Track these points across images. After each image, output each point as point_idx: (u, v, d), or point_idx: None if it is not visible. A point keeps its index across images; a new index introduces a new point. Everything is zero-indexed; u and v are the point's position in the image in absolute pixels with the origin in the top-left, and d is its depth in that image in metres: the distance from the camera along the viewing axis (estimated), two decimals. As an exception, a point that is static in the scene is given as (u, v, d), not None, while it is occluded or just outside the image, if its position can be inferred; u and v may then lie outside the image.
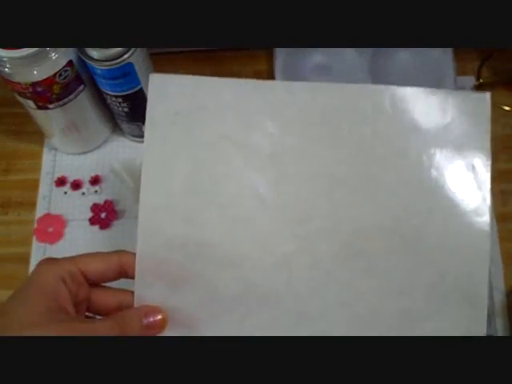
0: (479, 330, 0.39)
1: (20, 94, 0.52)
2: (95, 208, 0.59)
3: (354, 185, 0.41)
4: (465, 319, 0.39)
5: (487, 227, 0.40)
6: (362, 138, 0.41)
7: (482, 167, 0.40)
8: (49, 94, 0.51)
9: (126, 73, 0.51)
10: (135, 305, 0.41)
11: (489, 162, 0.40)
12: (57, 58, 0.49)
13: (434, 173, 0.41)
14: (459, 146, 0.41)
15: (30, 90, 0.51)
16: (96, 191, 0.60)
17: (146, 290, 0.41)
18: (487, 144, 0.40)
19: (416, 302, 0.40)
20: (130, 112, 0.57)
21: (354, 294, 0.40)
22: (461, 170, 0.41)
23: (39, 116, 0.55)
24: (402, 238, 0.40)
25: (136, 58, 0.51)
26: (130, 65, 0.51)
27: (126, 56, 0.50)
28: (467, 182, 0.40)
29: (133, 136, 0.61)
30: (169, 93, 0.41)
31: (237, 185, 0.41)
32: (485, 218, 0.40)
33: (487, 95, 0.41)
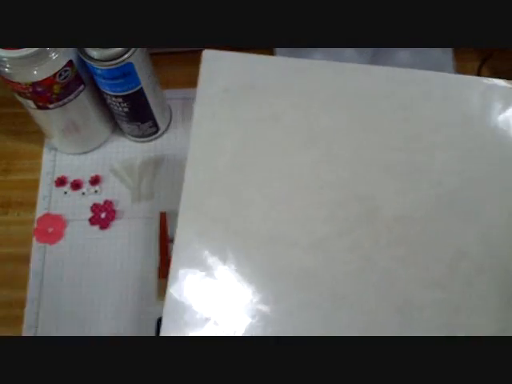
0: (509, 329, 0.39)
1: (20, 93, 0.52)
2: (95, 208, 0.59)
3: (399, 171, 0.41)
4: (496, 318, 0.39)
5: None
6: (409, 125, 0.41)
7: None
8: (49, 94, 0.51)
9: (126, 73, 0.51)
10: (172, 265, 0.40)
11: None
12: (57, 58, 0.49)
13: (483, 168, 0.40)
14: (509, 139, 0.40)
15: (30, 89, 0.51)
16: (96, 191, 0.60)
17: (185, 261, 0.40)
18: None
19: (452, 295, 0.39)
20: (130, 112, 0.57)
21: (390, 281, 0.39)
22: (509, 161, 0.40)
23: (39, 116, 0.55)
24: (447, 227, 0.40)
25: (136, 58, 0.51)
26: (129, 65, 0.51)
27: (126, 56, 0.50)
28: None
29: (133, 136, 0.61)
30: (220, 69, 0.43)
31: (279, 165, 0.41)
32: None
33: None
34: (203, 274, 0.40)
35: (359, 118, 0.42)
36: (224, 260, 0.40)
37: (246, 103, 0.42)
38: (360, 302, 0.40)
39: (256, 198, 0.41)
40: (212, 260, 0.40)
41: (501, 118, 0.41)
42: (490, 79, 0.42)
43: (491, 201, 0.40)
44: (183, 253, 0.40)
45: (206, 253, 0.40)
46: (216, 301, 0.40)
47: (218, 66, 0.43)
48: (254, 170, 0.41)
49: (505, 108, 0.41)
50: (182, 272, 0.40)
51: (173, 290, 0.40)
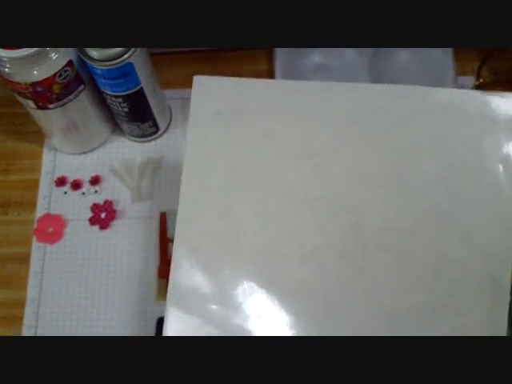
0: (500, 328, 0.40)
1: (20, 93, 0.52)
2: (95, 208, 0.59)
3: (384, 183, 0.43)
4: (486, 315, 0.40)
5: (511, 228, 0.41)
6: (393, 137, 0.43)
7: (510, 166, 0.41)
8: (49, 93, 0.51)
9: (126, 73, 0.51)
10: (169, 288, 0.42)
11: None
12: (57, 58, 0.49)
13: (464, 176, 0.42)
14: (488, 148, 0.42)
15: (30, 89, 0.51)
16: (96, 191, 0.60)
17: (182, 274, 0.42)
18: None
19: (439, 296, 0.41)
20: (130, 112, 0.57)
21: (379, 287, 0.41)
22: (489, 167, 0.42)
23: (39, 116, 0.55)
24: (429, 234, 0.41)
25: (136, 57, 0.51)
26: (129, 65, 0.51)
27: (125, 56, 0.50)
28: (494, 178, 0.42)
29: (133, 136, 0.61)
30: (211, 94, 0.44)
31: (271, 181, 0.43)
32: (510, 221, 0.41)
33: None
34: (200, 286, 0.42)
35: (348, 134, 0.44)
36: (219, 274, 0.42)
37: (238, 124, 0.44)
38: (350, 308, 0.41)
39: (248, 214, 0.43)
40: (208, 274, 0.42)
41: (478, 126, 0.43)
42: (471, 91, 0.45)
43: (472, 207, 0.42)
44: (180, 268, 0.42)
45: (202, 267, 0.42)
46: (213, 314, 0.41)
47: (210, 90, 0.45)
48: (246, 188, 0.43)
49: (488, 119, 0.43)
50: (179, 287, 0.42)
51: (172, 306, 0.42)
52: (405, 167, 0.43)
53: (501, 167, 0.42)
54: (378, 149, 0.43)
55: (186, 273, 0.42)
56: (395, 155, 0.43)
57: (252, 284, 0.42)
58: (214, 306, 0.41)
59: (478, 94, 0.44)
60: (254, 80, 0.45)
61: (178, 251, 0.42)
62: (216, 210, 0.43)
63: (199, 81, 0.45)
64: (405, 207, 0.42)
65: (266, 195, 0.43)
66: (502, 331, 0.40)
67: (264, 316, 0.41)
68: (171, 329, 0.41)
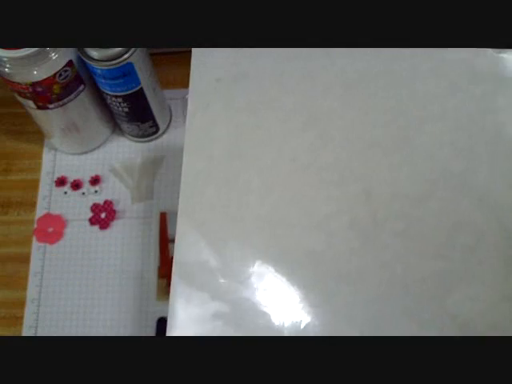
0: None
1: (20, 93, 0.52)
2: (95, 208, 0.59)
3: (391, 148, 0.41)
4: (501, 283, 0.39)
5: None
6: (398, 101, 0.42)
7: None
8: (49, 93, 0.51)
9: (126, 73, 0.51)
10: (174, 264, 0.40)
11: None
12: (57, 58, 0.49)
13: (473, 136, 0.41)
14: (501, 109, 0.41)
15: (30, 90, 0.51)
16: (96, 191, 0.60)
17: (187, 249, 0.41)
18: None
19: (454, 264, 0.39)
20: (130, 112, 0.57)
21: (392, 255, 0.40)
22: (502, 130, 0.41)
23: (39, 116, 0.55)
24: (439, 200, 0.40)
25: (136, 57, 0.51)
26: (129, 65, 0.51)
27: (126, 56, 0.50)
28: (506, 144, 0.40)
29: (133, 136, 0.61)
30: (210, 62, 0.44)
31: (275, 149, 0.42)
32: None
33: None
34: (206, 261, 0.40)
35: (351, 99, 0.43)
36: (225, 247, 0.41)
37: (239, 92, 0.43)
38: (362, 278, 0.40)
39: (254, 184, 0.42)
40: (213, 248, 0.41)
41: (486, 85, 0.42)
42: (475, 49, 0.43)
43: (484, 167, 0.41)
44: (185, 243, 0.41)
45: (207, 241, 0.41)
46: (220, 288, 0.40)
47: (209, 59, 0.44)
48: (251, 156, 0.42)
49: (489, 75, 0.42)
50: (184, 262, 0.40)
51: (176, 282, 0.40)
52: (411, 131, 0.42)
53: (510, 129, 0.41)
54: (383, 113, 0.42)
55: (191, 247, 0.41)
56: (401, 119, 0.42)
57: (259, 255, 0.40)
58: (221, 280, 0.40)
59: (488, 52, 0.42)
60: (252, 48, 0.44)
61: (181, 226, 0.41)
62: (220, 181, 0.42)
63: (197, 52, 0.44)
64: (414, 172, 0.41)
65: (271, 163, 0.42)
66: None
67: (272, 288, 0.40)
68: (179, 306, 0.40)
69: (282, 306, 0.39)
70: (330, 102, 0.43)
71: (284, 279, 0.40)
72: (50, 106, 0.53)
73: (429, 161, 0.41)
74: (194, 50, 0.44)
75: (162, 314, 0.54)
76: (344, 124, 0.42)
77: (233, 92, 0.43)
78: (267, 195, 0.42)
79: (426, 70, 0.43)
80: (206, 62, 0.44)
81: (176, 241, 0.41)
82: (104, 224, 0.58)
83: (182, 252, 0.41)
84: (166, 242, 0.57)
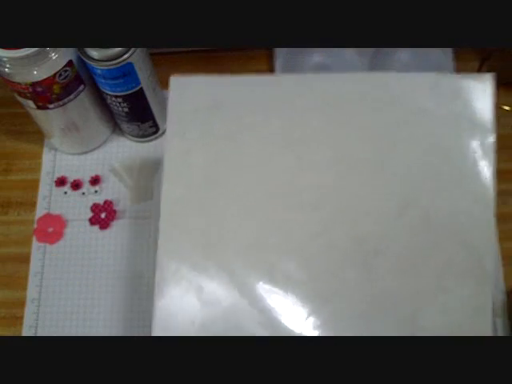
0: (485, 308, 0.40)
1: (20, 94, 0.52)
2: (95, 208, 0.59)
3: (367, 171, 0.43)
4: (473, 295, 0.41)
5: (491, 208, 0.42)
6: (372, 125, 0.43)
7: (487, 148, 0.42)
8: (49, 94, 0.51)
9: (126, 73, 0.51)
10: (156, 291, 0.41)
11: (493, 143, 0.42)
12: (57, 58, 0.49)
13: (442, 157, 0.42)
14: (464, 128, 0.42)
15: (30, 90, 0.51)
16: (96, 191, 0.60)
17: (169, 273, 0.42)
18: (491, 126, 0.43)
19: (428, 280, 0.41)
20: (130, 112, 0.57)
21: (369, 274, 0.41)
22: (467, 150, 0.42)
23: (39, 116, 0.55)
24: (413, 219, 0.42)
25: (136, 57, 0.51)
26: (129, 65, 0.51)
27: (125, 56, 0.50)
28: (473, 161, 0.42)
29: (133, 136, 0.61)
30: (189, 92, 0.45)
31: (253, 174, 0.43)
32: (490, 200, 0.42)
33: (489, 76, 0.43)
34: (187, 286, 0.41)
35: (327, 123, 0.44)
36: (205, 272, 0.41)
37: (215, 120, 0.44)
38: (342, 297, 0.41)
39: (233, 209, 0.42)
40: (194, 272, 0.41)
41: (452, 108, 0.43)
42: (441, 74, 0.45)
43: (451, 186, 0.42)
44: (166, 269, 0.42)
45: (188, 267, 0.42)
46: (201, 311, 0.41)
47: (187, 89, 0.45)
48: (229, 182, 0.43)
49: (454, 98, 0.44)
50: (166, 288, 0.41)
51: (160, 306, 0.41)
52: (385, 154, 0.43)
53: (479, 149, 0.42)
54: (358, 136, 0.43)
55: (172, 274, 0.42)
56: (375, 142, 0.43)
57: (240, 280, 0.41)
58: (203, 308, 0.41)
59: (453, 77, 0.44)
60: (228, 76, 0.45)
61: (162, 250, 0.42)
62: (199, 207, 0.43)
63: (176, 81, 0.45)
64: (389, 193, 0.42)
65: (250, 188, 0.43)
66: (487, 315, 0.40)
67: (254, 314, 0.41)
68: (159, 326, 0.41)
69: (262, 329, 0.40)
70: (306, 128, 0.44)
71: (264, 303, 0.41)
72: (50, 106, 0.53)
73: (402, 181, 0.42)
74: (172, 78, 0.45)
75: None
76: (320, 148, 0.43)
77: (210, 120, 0.44)
78: (246, 220, 0.42)
79: (397, 95, 0.44)
80: (184, 92, 0.45)
81: (157, 268, 0.42)
82: (104, 224, 0.58)
83: (164, 280, 0.42)
84: (165, 242, 0.57)
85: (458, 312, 0.40)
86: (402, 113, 0.43)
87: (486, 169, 0.42)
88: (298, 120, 0.44)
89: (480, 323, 0.40)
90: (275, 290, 0.41)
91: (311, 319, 0.41)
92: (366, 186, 0.42)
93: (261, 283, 0.41)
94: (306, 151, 0.43)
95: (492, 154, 0.42)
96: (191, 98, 0.45)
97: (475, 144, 0.42)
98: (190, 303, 0.41)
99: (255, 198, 0.43)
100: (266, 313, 0.41)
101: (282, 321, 0.41)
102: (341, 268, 0.41)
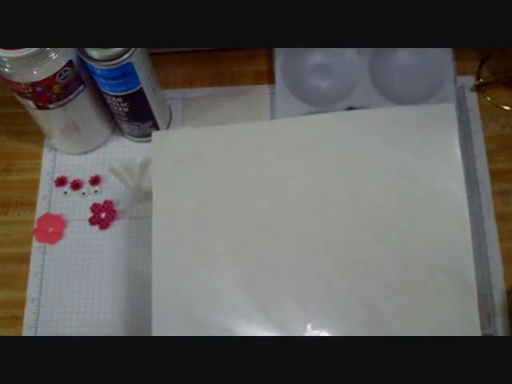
0: (473, 314, 0.42)
1: (20, 94, 0.52)
2: (95, 208, 0.59)
3: (342, 202, 0.46)
4: (459, 307, 0.42)
5: (467, 221, 0.43)
6: (342, 159, 0.46)
7: (457, 169, 0.45)
8: (49, 94, 0.51)
9: (126, 73, 0.51)
10: (153, 331, 0.43)
11: (461, 167, 0.45)
12: (57, 58, 0.49)
13: (413, 181, 0.45)
14: (433, 154, 0.45)
15: (30, 90, 0.51)
16: (96, 191, 0.60)
17: (163, 319, 0.44)
18: (458, 152, 0.45)
19: (412, 298, 0.43)
20: (130, 112, 0.57)
21: (355, 300, 0.43)
22: (437, 173, 0.45)
23: (39, 116, 0.55)
24: (391, 243, 0.44)
25: (136, 57, 0.51)
26: (129, 65, 0.51)
27: (125, 56, 0.50)
28: (444, 183, 0.44)
29: (133, 136, 0.61)
30: (169, 146, 0.48)
31: (236, 216, 0.46)
32: (465, 214, 0.44)
33: (451, 105, 0.46)
34: (181, 322, 0.44)
35: (300, 163, 0.47)
36: (199, 312, 0.44)
37: (198, 169, 0.47)
38: (331, 324, 0.43)
39: (220, 249, 0.45)
40: (187, 313, 0.44)
41: (418, 136, 0.46)
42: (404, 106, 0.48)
43: (425, 208, 0.45)
44: (160, 310, 0.44)
45: (181, 306, 0.44)
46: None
47: (167, 143, 0.48)
48: (215, 224, 0.46)
49: (418, 126, 0.47)
50: (161, 322, 0.44)
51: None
52: (358, 184, 0.46)
53: (446, 169, 0.45)
54: (330, 172, 0.46)
55: (166, 315, 0.44)
56: (347, 174, 0.46)
57: (232, 317, 0.43)
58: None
59: (416, 108, 0.47)
60: (205, 128, 0.49)
61: (155, 292, 0.44)
62: (189, 249, 0.45)
63: (157, 135, 0.49)
64: (365, 221, 0.45)
65: (235, 229, 0.46)
66: (476, 323, 0.42)
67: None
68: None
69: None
70: (281, 170, 0.47)
71: (257, 331, 0.43)
72: (50, 105, 0.53)
73: (378, 208, 0.45)
74: (153, 134, 0.49)
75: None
76: (296, 187, 0.46)
77: (192, 171, 0.47)
78: (234, 258, 0.45)
79: (363, 129, 0.47)
80: (164, 147, 0.48)
81: (152, 309, 0.44)
82: (104, 224, 0.58)
83: (159, 322, 0.44)
84: (165, 242, 0.57)
85: (446, 325, 0.42)
86: (370, 144, 0.46)
87: (457, 189, 0.44)
88: (272, 163, 0.47)
89: (468, 332, 0.42)
90: (269, 324, 0.43)
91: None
92: (343, 216, 0.45)
93: (253, 318, 0.43)
94: (282, 191, 0.46)
95: (462, 175, 0.44)
96: (172, 150, 0.48)
97: (443, 165, 0.45)
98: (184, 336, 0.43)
99: (240, 238, 0.45)
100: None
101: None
102: (329, 298, 0.43)
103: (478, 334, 0.42)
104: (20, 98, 0.53)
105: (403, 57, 0.62)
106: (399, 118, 0.47)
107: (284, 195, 0.46)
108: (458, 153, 0.45)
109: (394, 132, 0.46)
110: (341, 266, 0.44)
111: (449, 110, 0.46)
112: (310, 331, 0.43)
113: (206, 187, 0.47)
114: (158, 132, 0.50)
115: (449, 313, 0.42)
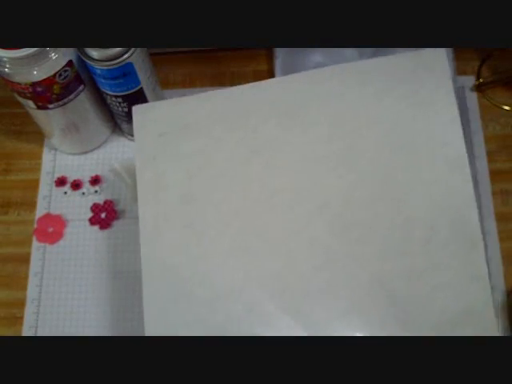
0: (481, 271, 0.40)
1: (20, 94, 0.52)
2: (95, 208, 0.59)
3: (335, 160, 0.43)
4: (465, 264, 0.40)
5: (467, 169, 0.41)
6: (332, 116, 0.44)
7: (453, 117, 0.42)
8: (49, 93, 0.51)
9: (126, 73, 0.51)
10: (144, 307, 0.42)
11: (457, 114, 0.42)
12: (57, 58, 0.49)
13: (407, 132, 0.43)
14: (428, 102, 0.43)
15: (30, 89, 0.51)
16: (96, 191, 0.60)
17: (153, 293, 0.42)
18: (452, 98, 0.43)
19: (416, 258, 0.41)
20: (130, 112, 0.56)
21: (357, 263, 0.41)
22: (433, 122, 0.42)
23: (39, 116, 0.55)
24: (389, 200, 0.42)
25: (136, 57, 0.51)
26: (129, 65, 0.51)
27: (125, 56, 0.50)
28: (441, 132, 0.42)
29: (133, 136, 0.61)
30: (151, 118, 0.46)
31: (226, 184, 0.44)
32: (464, 162, 0.42)
33: (442, 50, 0.43)
34: (173, 303, 0.42)
35: (289, 124, 0.45)
36: (191, 287, 0.42)
37: (182, 140, 0.45)
38: (331, 291, 0.41)
39: (210, 220, 0.43)
40: (178, 289, 0.42)
41: (409, 85, 0.44)
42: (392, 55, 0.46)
43: (423, 160, 0.42)
44: (152, 289, 0.42)
45: (172, 283, 0.42)
46: (192, 329, 0.42)
47: (149, 116, 0.47)
48: (205, 195, 0.44)
49: (410, 75, 0.44)
50: (153, 308, 0.42)
51: (148, 329, 0.42)
52: (351, 140, 0.43)
53: (442, 118, 0.42)
54: (320, 130, 0.44)
55: (159, 291, 0.42)
56: (339, 130, 0.43)
57: (226, 289, 0.42)
58: (192, 324, 0.42)
59: (406, 53, 0.45)
60: (188, 98, 0.47)
61: (145, 271, 0.43)
62: (178, 223, 0.43)
63: (137, 110, 0.47)
64: (361, 179, 0.42)
65: (225, 198, 0.43)
66: (485, 282, 0.40)
67: (244, 318, 0.41)
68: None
69: (253, 332, 0.40)
70: (269, 131, 0.44)
71: (253, 307, 0.41)
72: (50, 105, 0.53)
73: (372, 164, 0.43)
74: (133, 108, 0.47)
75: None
76: (286, 148, 0.44)
77: (177, 142, 0.45)
78: (225, 229, 0.43)
79: (352, 83, 0.44)
80: (147, 119, 0.46)
81: (143, 289, 0.42)
82: (104, 224, 0.58)
83: (151, 301, 0.42)
84: (165, 242, 0.57)
85: (455, 285, 0.40)
86: (361, 97, 0.44)
87: (455, 138, 0.42)
88: (260, 127, 0.45)
89: (478, 293, 0.39)
90: (263, 294, 0.41)
91: (304, 317, 0.41)
92: (338, 176, 0.43)
93: (247, 288, 0.41)
94: (273, 155, 0.44)
95: (459, 123, 0.42)
96: (155, 123, 0.46)
97: (441, 116, 0.42)
98: (179, 320, 0.42)
99: (231, 207, 0.43)
100: (255, 318, 0.41)
101: (278, 324, 0.41)
102: (327, 263, 0.41)
103: (488, 293, 0.39)
104: (20, 98, 0.53)
105: (403, 57, 0.62)
106: (389, 67, 0.44)
107: (274, 158, 0.44)
108: (452, 99, 0.43)
109: (385, 82, 0.44)
110: (337, 228, 0.42)
111: (440, 55, 0.44)
112: (309, 300, 0.41)
113: (193, 158, 0.45)
114: (138, 106, 0.48)
115: (455, 270, 0.40)
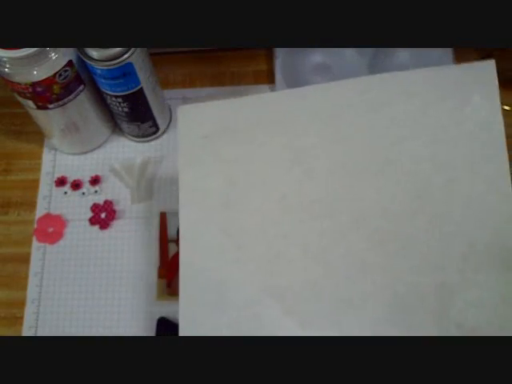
0: None
1: (20, 94, 0.52)
2: (95, 208, 0.59)
3: (374, 172, 0.43)
4: (500, 285, 0.40)
5: (509, 189, 0.40)
6: (373, 127, 0.43)
7: (497, 134, 0.41)
8: (49, 94, 0.51)
9: (126, 73, 0.51)
10: (180, 310, 0.42)
11: (502, 132, 0.41)
12: (57, 58, 0.49)
13: (450, 147, 0.42)
14: (473, 119, 0.42)
15: (30, 90, 0.51)
16: (96, 191, 0.60)
17: (191, 296, 0.43)
18: (499, 116, 0.41)
19: (451, 275, 0.40)
20: (130, 112, 0.57)
21: (391, 276, 0.41)
22: (476, 140, 0.42)
23: (39, 116, 0.55)
24: (428, 214, 0.41)
25: (136, 57, 0.51)
26: (130, 65, 0.51)
27: (125, 56, 0.50)
28: (483, 149, 0.41)
29: (133, 136, 0.61)
30: (196, 120, 0.46)
31: (265, 191, 0.44)
32: (506, 182, 0.40)
33: (491, 63, 0.43)
34: (210, 306, 0.43)
35: (330, 132, 0.44)
36: (227, 291, 0.43)
37: (225, 144, 0.45)
38: (364, 303, 0.41)
39: (248, 226, 0.44)
40: (216, 293, 0.43)
41: (453, 99, 0.43)
42: (438, 67, 0.45)
43: (465, 175, 0.41)
44: (189, 291, 0.43)
45: (210, 286, 0.43)
46: (224, 321, 0.42)
47: (194, 118, 0.46)
48: (244, 202, 0.44)
49: (453, 89, 0.43)
50: (189, 309, 0.43)
51: (182, 329, 0.42)
52: (391, 152, 0.43)
53: (485, 134, 0.41)
54: (361, 140, 0.44)
55: (195, 293, 0.43)
56: (379, 142, 0.43)
57: (261, 294, 0.42)
58: (225, 327, 0.42)
59: (451, 67, 0.45)
60: (232, 101, 0.47)
61: (183, 273, 0.43)
62: (217, 228, 0.44)
63: (183, 110, 0.47)
64: (399, 192, 0.42)
65: (264, 206, 0.44)
66: None
67: (277, 324, 0.41)
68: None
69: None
70: (310, 139, 0.44)
71: (288, 312, 0.41)
72: (50, 105, 0.53)
73: (411, 178, 0.42)
74: (179, 109, 0.47)
75: (161, 314, 0.54)
76: (326, 157, 0.44)
77: (220, 145, 0.45)
78: (262, 236, 0.43)
79: (395, 93, 0.44)
80: (192, 120, 0.46)
81: (180, 290, 0.43)
82: (104, 224, 0.58)
83: (187, 300, 0.43)
84: (165, 242, 0.57)
85: (486, 304, 0.39)
86: (402, 108, 0.43)
87: (497, 156, 0.41)
88: (300, 134, 0.44)
89: (509, 314, 0.39)
90: (297, 301, 0.42)
91: (334, 325, 0.41)
92: (376, 188, 0.42)
93: (282, 295, 0.42)
94: (312, 163, 0.44)
95: (503, 141, 0.41)
96: (199, 125, 0.46)
97: (479, 128, 0.42)
98: (213, 325, 0.42)
99: (268, 214, 0.43)
100: (291, 322, 0.41)
101: (310, 328, 0.41)
102: (362, 274, 0.41)
103: None
104: (20, 98, 0.53)
105: (403, 57, 0.62)
106: (437, 79, 0.43)
107: (314, 167, 0.44)
108: (499, 117, 0.41)
109: (431, 95, 0.43)
110: (374, 240, 0.42)
111: (489, 68, 0.43)
112: (342, 310, 0.41)
113: (235, 162, 0.45)
114: (184, 106, 0.47)
115: (489, 289, 0.39)
